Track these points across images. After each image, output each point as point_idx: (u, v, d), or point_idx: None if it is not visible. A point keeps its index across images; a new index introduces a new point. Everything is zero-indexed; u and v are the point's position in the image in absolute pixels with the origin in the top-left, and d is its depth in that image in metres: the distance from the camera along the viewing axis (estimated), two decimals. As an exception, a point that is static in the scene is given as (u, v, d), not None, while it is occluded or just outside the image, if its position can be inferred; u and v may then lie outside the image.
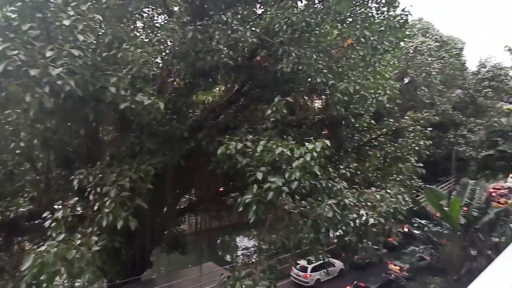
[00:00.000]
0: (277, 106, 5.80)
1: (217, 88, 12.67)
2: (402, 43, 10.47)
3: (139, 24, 10.83)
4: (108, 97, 5.09)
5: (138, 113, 5.47)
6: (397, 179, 11.03)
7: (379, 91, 10.30)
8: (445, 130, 23.01)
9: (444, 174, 24.30)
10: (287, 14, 6.47)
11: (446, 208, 13.15)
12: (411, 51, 18.90)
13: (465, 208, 13.01)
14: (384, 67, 10.56)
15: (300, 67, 6.27)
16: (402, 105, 20.46)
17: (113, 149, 7.27)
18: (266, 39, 7.27)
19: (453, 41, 21.95)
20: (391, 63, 11.93)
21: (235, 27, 6.90)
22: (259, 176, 4.82)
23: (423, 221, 13.78)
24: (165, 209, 10.09)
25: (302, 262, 15.78)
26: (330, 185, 6.16)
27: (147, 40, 9.66)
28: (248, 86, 9.77)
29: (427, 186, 13.27)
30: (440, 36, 21.94)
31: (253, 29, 7.50)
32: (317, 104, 12.48)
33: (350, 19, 8.96)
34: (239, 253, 22.78)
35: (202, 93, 11.87)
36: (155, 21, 10.89)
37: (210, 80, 8.58)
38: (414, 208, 14.54)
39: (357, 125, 10.28)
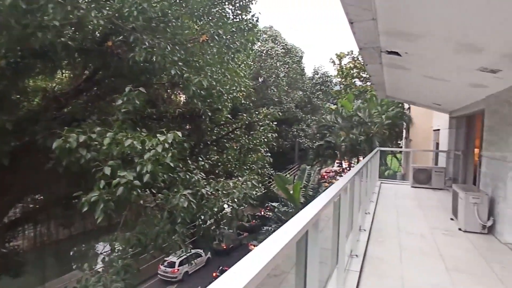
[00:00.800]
0: (129, 96, 5.46)
1: (64, 75, 10.76)
2: (253, 46, 11.68)
3: None
4: None
5: None
6: (253, 168, 12.39)
7: (235, 88, 11.23)
8: (290, 125, 27.18)
9: (291, 162, 28.66)
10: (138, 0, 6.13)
11: (291, 191, 15.62)
12: (264, 55, 21.44)
13: (304, 189, 15.91)
14: (238, 65, 11.51)
15: (154, 58, 6.09)
16: (256, 102, 22.86)
17: None
18: (118, 24, 6.70)
19: (295, 49, 26.21)
20: (245, 62, 13.13)
21: (76, 4, 6.03)
22: (107, 171, 4.44)
23: (274, 204, 16.05)
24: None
25: (171, 258, 15.50)
26: (188, 176, 6.32)
27: None
28: (101, 74, 8.75)
29: (277, 173, 15.43)
30: (286, 44, 25.81)
31: (102, 10, 6.75)
32: (183, 98, 12.48)
33: (207, 17, 9.36)
34: (99, 260, 20.31)
35: (42, 79, 9.83)
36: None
37: (49, 63, 7.21)
38: (268, 193, 16.62)
39: (216, 119, 10.89)
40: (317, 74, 30.68)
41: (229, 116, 10.80)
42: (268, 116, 10.67)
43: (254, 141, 10.37)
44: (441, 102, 9.05)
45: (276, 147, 27.44)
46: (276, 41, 25.24)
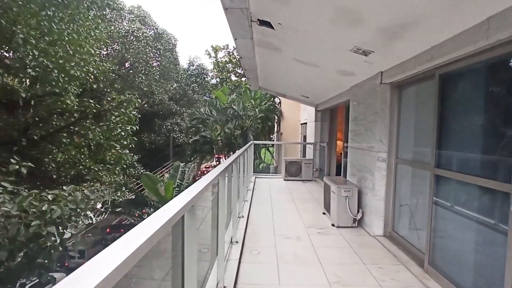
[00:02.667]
0: None
1: None
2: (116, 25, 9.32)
3: None
4: None
5: None
6: (110, 169, 10.05)
7: (79, 68, 8.69)
8: (164, 118, 24.92)
9: (167, 159, 26.41)
10: None
11: (162, 193, 13.79)
12: (129, 36, 18.49)
13: (178, 189, 14.35)
14: (85, 39, 8.95)
15: None
16: (122, 90, 19.72)
17: None
18: None
19: (167, 35, 23.96)
20: (97, 37, 10.53)
21: None
22: None
23: (141, 209, 13.88)
24: None
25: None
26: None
27: None
28: None
29: (144, 173, 13.32)
30: (157, 28, 23.27)
31: None
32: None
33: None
34: None
35: None
36: None
37: None
38: (139, 198, 14.30)
39: (52, 106, 8.12)
40: (193, 66, 29.26)
41: (71, 103, 8.20)
42: (125, 104, 8.63)
43: (106, 135, 8.17)
44: (310, 95, 9.20)
45: (148, 143, 24.74)
46: (145, 24, 22.42)
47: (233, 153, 23.16)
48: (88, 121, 8.13)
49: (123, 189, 11.58)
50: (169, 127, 23.68)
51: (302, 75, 6.65)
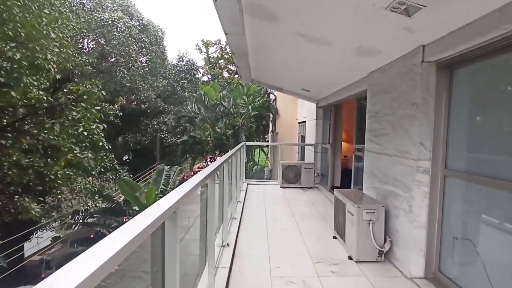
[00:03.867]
0: None
1: None
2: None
3: None
4: None
5: None
6: (78, 175, 8.60)
7: (41, 55, 7.25)
8: (151, 117, 23.43)
9: (153, 161, 24.94)
10: None
11: (144, 200, 12.38)
12: (109, 26, 16.93)
13: (161, 196, 12.95)
14: (58, 28, 7.50)
15: None
16: (105, 88, 18.19)
17: None
18: None
19: (153, 27, 22.42)
20: (70, 27, 9.09)
21: None
22: None
23: (119, 218, 12.43)
24: None
25: None
26: None
27: None
28: None
29: (122, 178, 11.90)
30: (142, 20, 21.72)
31: None
32: None
33: None
34: None
35: None
36: None
37: None
38: (115, 206, 12.85)
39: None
40: (182, 61, 27.76)
41: (18, 95, 6.72)
42: (85, 97, 7.18)
43: (62, 135, 6.75)
44: (312, 87, 7.90)
45: (133, 144, 23.22)
46: (130, 14, 20.84)
47: (225, 153, 21.78)
48: (41, 118, 6.70)
49: (96, 197, 10.14)
50: (155, 126, 22.18)
51: (306, 60, 5.34)
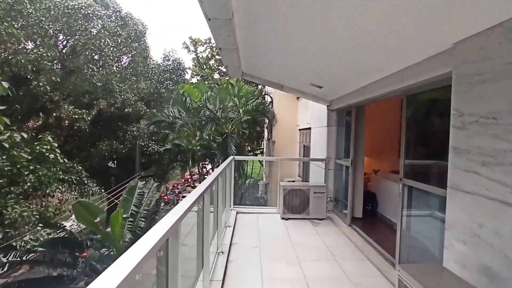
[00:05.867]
0: None
1: None
2: None
3: None
4: None
5: None
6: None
7: None
8: (131, 122, 21.08)
9: (132, 172, 22.49)
10: None
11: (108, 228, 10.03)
12: (74, 14, 14.55)
13: (132, 221, 10.59)
14: None
15: None
16: (63, 89, 15.87)
17: None
18: None
19: (132, 20, 20.10)
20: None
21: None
22: None
23: (76, 251, 10.01)
24: None
25: None
26: None
27: None
28: None
29: (78, 201, 9.51)
30: (119, 11, 19.43)
31: None
32: None
33: None
34: None
35: None
36: None
37: None
38: (70, 236, 10.46)
39: None
40: (168, 61, 25.49)
41: None
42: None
43: None
44: (326, 82, 5.73)
45: (108, 152, 20.77)
46: (105, 5, 18.55)
47: (212, 163, 19.36)
48: None
49: (39, 227, 7.80)
50: (135, 133, 19.80)
51: (325, 35, 3.16)
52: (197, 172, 34.43)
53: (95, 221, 9.72)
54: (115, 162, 24.49)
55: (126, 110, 21.39)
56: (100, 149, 18.77)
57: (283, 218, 6.50)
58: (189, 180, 37.18)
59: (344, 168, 6.70)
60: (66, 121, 15.78)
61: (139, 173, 20.47)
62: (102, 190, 15.63)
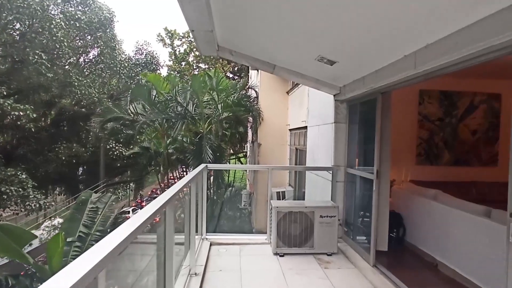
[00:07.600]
0: None
1: None
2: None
3: None
4: None
5: None
6: None
7: None
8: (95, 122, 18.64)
9: (97, 179, 20.01)
10: None
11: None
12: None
13: (78, 247, 8.37)
14: None
15: None
16: (24, 82, 13.46)
17: None
18: None
19: (96, 4, 17.70)
20: None
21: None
22: None
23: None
24: None
25: None
26: None
27: None
28: None
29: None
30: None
31: None
32: None
33: None
34: None
35: None
36: None
37: None
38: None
39: None
40: (141, 54, 23.15)
41: None
42: None
43: None
44: (344, 55, 3.86)
45: (68, 156, 18.28)
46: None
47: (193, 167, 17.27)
48: None
49: None
50: (99, 134, 17.42)
51: None
52: (177, 177, 32.19)
53: (17, 249, 7.36)
54: (84, 167, 22.02)
55: (93, 109, 19.02)
56: (57, 153, 16.29)
57: (276, 254, 4.59)
58: (169, 185, 35.20)
59: (359, 181, 4.90)
60: (8, 119, 13.32)
61: (104, 180, 18.07)
62: (53, 204, 13.22)
